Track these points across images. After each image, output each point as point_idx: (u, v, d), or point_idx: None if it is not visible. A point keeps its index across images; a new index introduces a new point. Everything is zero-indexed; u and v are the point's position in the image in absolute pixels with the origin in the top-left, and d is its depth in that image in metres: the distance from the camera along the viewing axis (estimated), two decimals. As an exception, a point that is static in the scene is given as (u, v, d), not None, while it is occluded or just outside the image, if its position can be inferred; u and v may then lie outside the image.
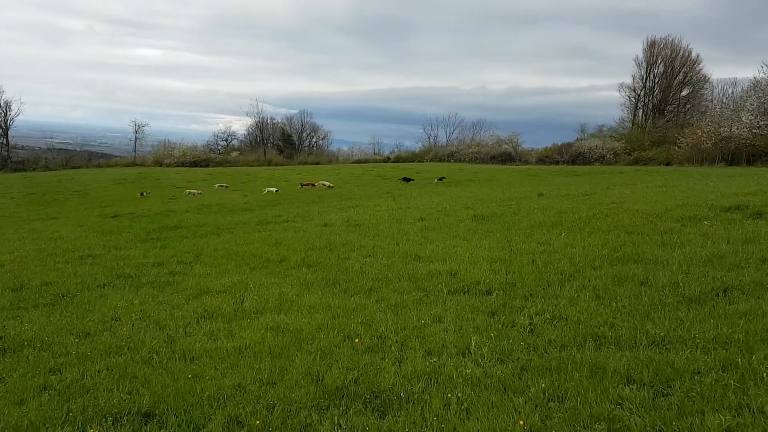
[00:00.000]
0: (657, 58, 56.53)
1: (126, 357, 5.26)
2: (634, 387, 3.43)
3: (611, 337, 4.16)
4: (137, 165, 62.66)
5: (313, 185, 30.91)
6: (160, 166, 61.48)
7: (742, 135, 34.79)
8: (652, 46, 56.63)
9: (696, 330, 4.10)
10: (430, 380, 3.78)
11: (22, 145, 72.49)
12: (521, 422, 3.20)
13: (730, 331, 4.03)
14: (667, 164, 40.07)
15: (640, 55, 57.47)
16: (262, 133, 78.95)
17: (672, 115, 56.01)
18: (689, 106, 55.57)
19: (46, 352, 5.50)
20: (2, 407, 4.26)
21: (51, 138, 77.97)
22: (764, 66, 36.08)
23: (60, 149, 75.08)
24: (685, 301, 4.78)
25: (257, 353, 4.79)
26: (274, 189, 29.50)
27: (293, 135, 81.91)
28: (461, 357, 4.14)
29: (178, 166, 61.03)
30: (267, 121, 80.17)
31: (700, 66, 55.02)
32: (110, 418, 3.91)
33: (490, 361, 3.98)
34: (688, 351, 3.79)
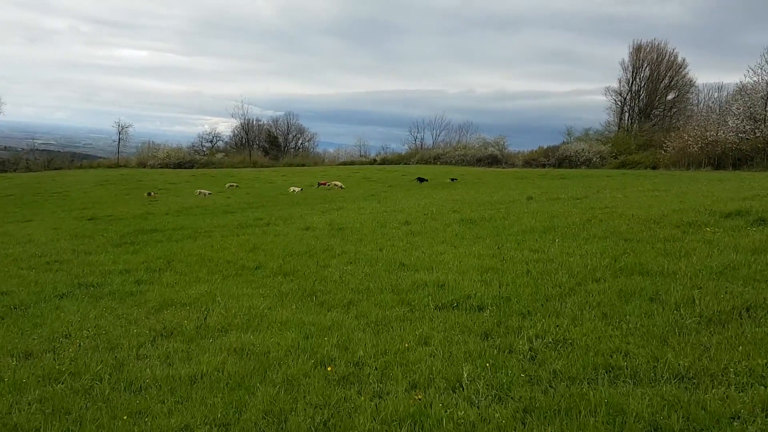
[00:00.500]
0: (643, 62, 56.76)
1: (65, 385, 4.54)
2: (664, 439, 2.80)
3: (627, 369, 3.54)
4: (120, 166, 61.89)
5: (326, 184, 31.65)
6: (144, 167, 60.91)
7: (728, 139, 34.75)
8: (638, 50, 56.85)
9: (724, 360, 3.51)
10: (415, 425, 3.13)
11: (4, 146, 71.06)
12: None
13: (765, 361, 3.45)
14: (654, 168, 40.04)
15: (627, 59, 57.70)
16: (247, 134, 78.14)
17: (658, 119, 56.24)
18: (675, 110, 55.85)
19: (-27, 379, 4.76)
20: None
21: (33, 139, 76.49)
22: (750, 70, 36.13)
23: (42, 150, 73.68)
24: (704, 322, 4.20)
25: (214, 383, 4.11)
26: (299, 188, 29.73)
27: (279, 137, 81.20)
28: (451, 392, 3.50)
29: (162, 167, 60.47)
30: (252, 122, 79.42)
31: (686, 70, 55.37)
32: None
33: (486, 399, 3.34)
34: (721, 388, 3.18)
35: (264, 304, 6.46)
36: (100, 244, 13.09)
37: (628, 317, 4.52)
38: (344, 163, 65.50)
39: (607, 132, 58.05)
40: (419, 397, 3.40)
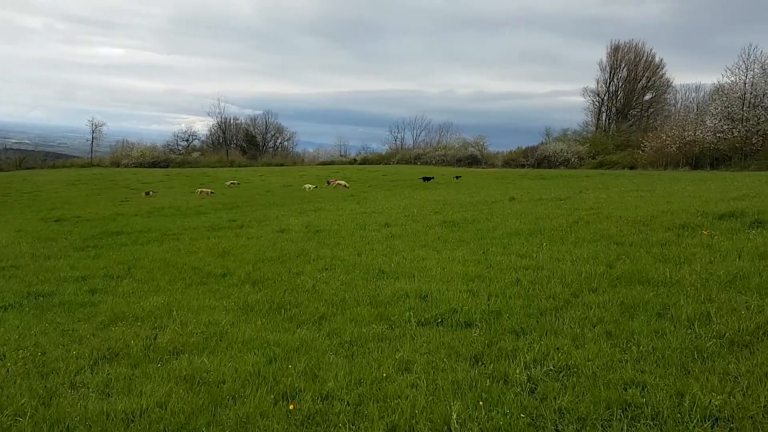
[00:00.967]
0: (621, 62, 57.17)
1: (-22, 424, 3.82)
2: None
3: (647, 407, 2.95)
4: (94, 165, 60.47)
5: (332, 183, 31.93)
6: (118, 166, 59.66)
7: (706, 139, 35.01)
8: (616, 51, 57.24)
9: (762, 396, 2.96)
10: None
11: (-24, 145, 68.95)
12: None
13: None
14: (632, 168, 40.22)
15: (605, 60, 58.06)
16: (224, 133, 76.94)
17: (635, 119, 56.75)
18: (652, 110, 56.38)
19: None
20: None
21: (5, 138, 74.37)
22: (728, 70, 36.44)
23: (16, 149, 71.62)
24: (726, 345, 3.65)
25: (153, 424, 3.43)
26: (314, 185, 29.56)
27: (257, 136, 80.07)
28: (438, 439, 2.89)
29: (136, 166, 59.43)
30: (230, 121, 78.23)
31: (663, 70, 55.92)
32: None
33: (480, 450, 2.74)
34: (767, 436, 2.64)
35: (226, 319, 5.77)
36: (61, 248, 12.29)
37: (636, 337, 3.96)
38: (324, 163, 64.80)
39: (585, 132, 58.40)
40: (399, 447, 2.78)
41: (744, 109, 34.45)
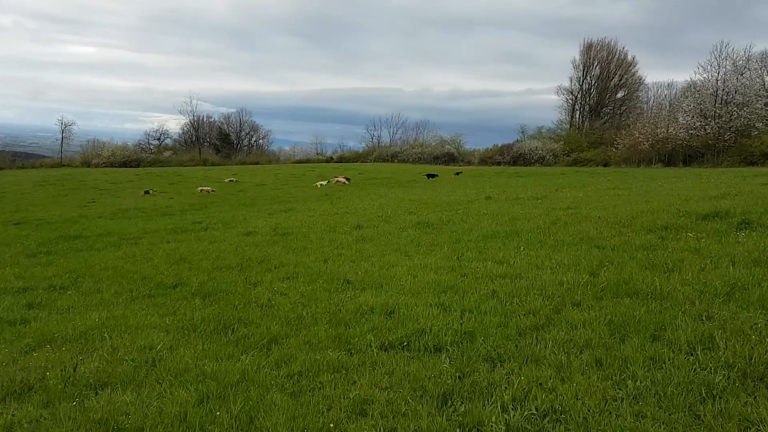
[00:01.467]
0: (594, 60, 57.49)
1: None
2: None
3: (655, 472, 2.38)
4: (64, 166, 58.63)
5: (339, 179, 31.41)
6: (88, 166, 58.04)
7: (678, 136, 35.22)
8: (588, 49, 57.55)
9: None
10: None
11: (-58, 146, 66.29)
12: None
13: None
14: (605, 165, 40.38)
15: (578, 58, 58.33)
16: (197, 131, 75.24)
17: (608, 116, 57.14)
18: (625, 108, 56.86)
19: None
20: None
21: (-28, 138, 71.74)
22: (700, 67, 36.72)
23: (-17, 150, 69.20)
24: (738, 378, 3.10)
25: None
26: (325, 182, 28.83)
27: (231, 134, 78.61)
28: None
29: (106, 166, 58.01)
30: (203, 119, 76.57)
31: (636, 68, 56.41)
32: None
33: None
34: None
35: (164, 342, 5.05)
36: (13, 254, 11.41)
37: (631, 367, 3.39)
38: (300, 161, 63.88)
39: (559, 130, 58.66)
40: None
41: (716, 105, 34.75)
